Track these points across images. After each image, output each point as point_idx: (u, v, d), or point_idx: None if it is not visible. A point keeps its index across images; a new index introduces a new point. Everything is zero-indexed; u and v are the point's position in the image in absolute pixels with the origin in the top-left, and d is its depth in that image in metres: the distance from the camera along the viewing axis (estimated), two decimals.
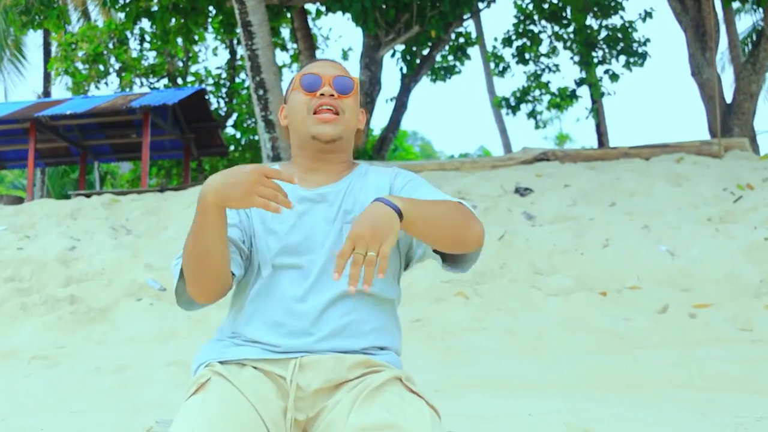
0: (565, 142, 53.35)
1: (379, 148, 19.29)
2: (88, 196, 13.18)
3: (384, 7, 16.12)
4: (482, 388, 5.63)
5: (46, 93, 27.64)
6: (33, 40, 36.05)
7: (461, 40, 20.73)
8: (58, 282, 8.35)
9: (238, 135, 24.81)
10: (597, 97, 20.17)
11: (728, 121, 14.25)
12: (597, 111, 20.61)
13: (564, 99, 20.44)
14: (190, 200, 11.16)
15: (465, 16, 18.28)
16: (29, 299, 7.87)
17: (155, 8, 18.45)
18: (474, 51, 23.36)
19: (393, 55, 19.16)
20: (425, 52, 18.96)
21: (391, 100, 19.84)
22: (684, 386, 5.68)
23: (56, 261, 8.82)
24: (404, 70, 19.04)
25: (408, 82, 19.11)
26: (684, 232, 8.09)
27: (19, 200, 15.85)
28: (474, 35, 21.68)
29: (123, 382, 5.99)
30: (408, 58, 18.91)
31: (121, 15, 20.57)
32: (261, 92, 13.66)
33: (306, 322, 2.15)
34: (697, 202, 8.92)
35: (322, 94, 2.28)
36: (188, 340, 6.82)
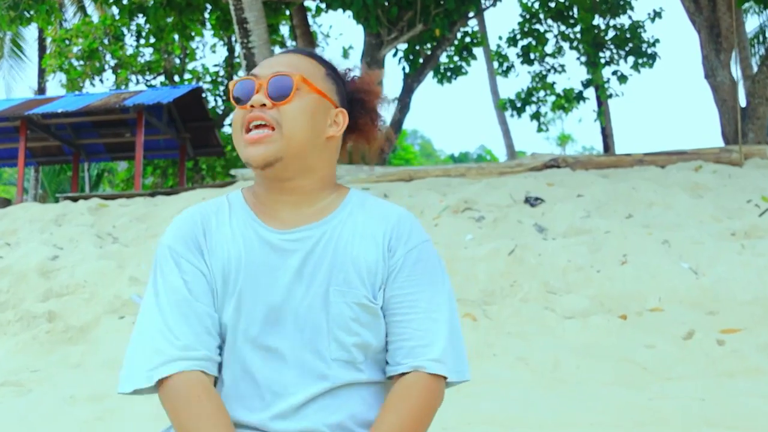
0: (567, 142, 53.00)
1: (381, 151, 18.68)
2: (74, 200, 12.65)
3: (386, 4, 15.58)
4: (493, 426, 5.09)
5: (41, 89, 27.25)
6: (31, 35, 35.46)
7: (467, 39, 20.24)
8: (37, 296, 7.85)
9: None
10: (603, 98, 19.72)
11: (743, 126, 13.72)
12: (603, 113, 20.15)
13: (570, 101, 19.96)
14: (181, 206, 10.63)
15: (470, 15, 17.73)
16: (3, 316, 7.37)
17: (150, 3, 17.93)
18: (477, 50, 22.80)
19: (395, 55, 18.66)
20: (428, 51, 18.43)
21: (393, 101, 19.22)
22: (715, 425, 5.16)
23: (36, 272, 8.31)
24: (407, 70, 18.51)
25: (410, 83, 18.55)
26: (707, 247, 7.55)
27: (7, 202, 15.30)
28: (478, 34, 21.18)
29: (99, 415, 5.45)
30: (411, 57, 18.39)
31: (116, 10, 20.09)
32: None
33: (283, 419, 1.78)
34: (720, 214, 8.38)
35: (252, 106, 1.82)
36: None
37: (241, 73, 23.47)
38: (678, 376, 5.79)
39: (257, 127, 1.81)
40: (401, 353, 1.84)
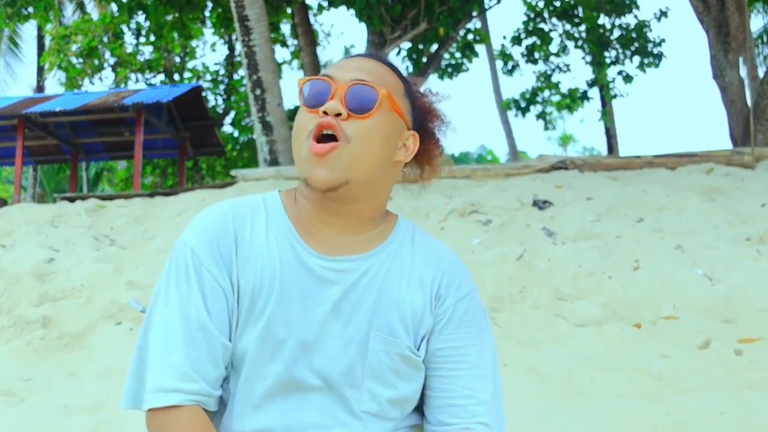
0: (569, 142, 52.84)
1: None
2: (72, 200, 12.42)
3: (390, 2, 15.35)
4: None
5: (40, 88, 27.12)
6: (29, 32, 35.30)
7: (470, 36, 20.04)
8: (31, 300, 7.64)
9: (236, 133, 24.25)
10: (608, 99, 19.54)
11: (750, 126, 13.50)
12: (607, 113, 19.96)
13: (575, 100, 19.77)
14: (181, 207, 10.43)
15: (473, 13, 17.51)
16: None
17: (149, 1, 17.74)
18: (480, 49, 22.58)
19: (398, 54, 18.47)
20: (432, 50, 18.21)
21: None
22: None
23: (31, 275, 8.11)
24: (410, 69, 18.29)
25: (414, 82, 18.30)
26: (721, 253, 7.34)
27: (3, 202, 15.08)
28: (481, 32, 20.98)
29: (94, 426, 5.23)
30: (414, 56, 18.17)
31: (115, 7, 19.93)
32: (258, 92, 12.91)
33: None
34: (734, 219, 8.16)
35: (324, 112, 1.58)
36: None
37: (242, 72, 23.33)
38: (695, 388, 5.58)
39: (325, 137, 1.58)
40: (447, 412, 1.70)
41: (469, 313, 1.73)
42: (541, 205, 8.93)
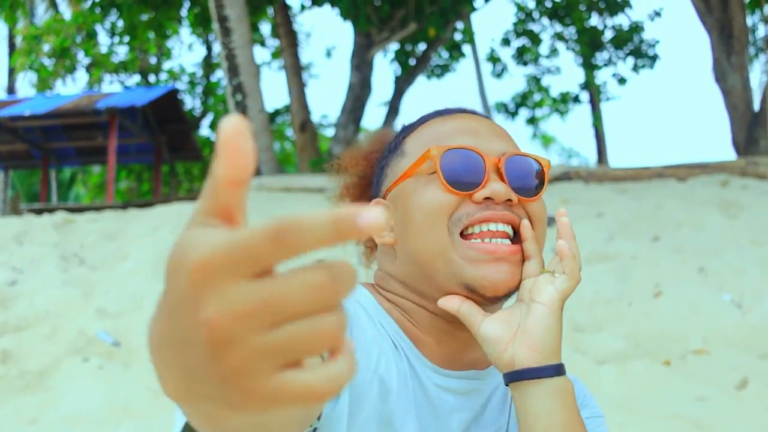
0: (551, 144, 52.62)
1: None
2: (39, 212, 11.72)
3: (377, 2, 14.76)
4: None
5: (11, 89, 26.35)
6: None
7: (457, 37, 19.67)
8: None
9: (214, 137, 23.74)
10: (598, 101, 19.25)
11: (753, 132, 13.03)
12: (597, 117, 19.66)
13: (566, 102, 19.48)
14: (156, 222, 9.79)
15: (463, 13, 17.01)
16: None
17: None
18: (465, 50, 22.23)
19: (385, 55, 18.00)
20: (420, 51, 17.71)
21: (385, 104, 18.56)
22: None
23: None
24: (398, 72, 17.78)
25: (401, 85, 17.76)
26: (750, 277, 6.81)
27: None
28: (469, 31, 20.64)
29: None
30: (402, 58, 17.65)
31: (87, 4, 19.43)
32: (239, 97, 12.26)
33: None
34: (759, 237, 7.61)
35: (488, 198, 1.22)
36: (146, 420, 5.46)
37: (220, 74, 22.69)
38: None
39: (495, 234, 1.23)
40: None
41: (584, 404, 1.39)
42: (548, 221, 8.31)
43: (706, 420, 5.20)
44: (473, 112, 1.40)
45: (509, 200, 1.23)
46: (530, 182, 1.27)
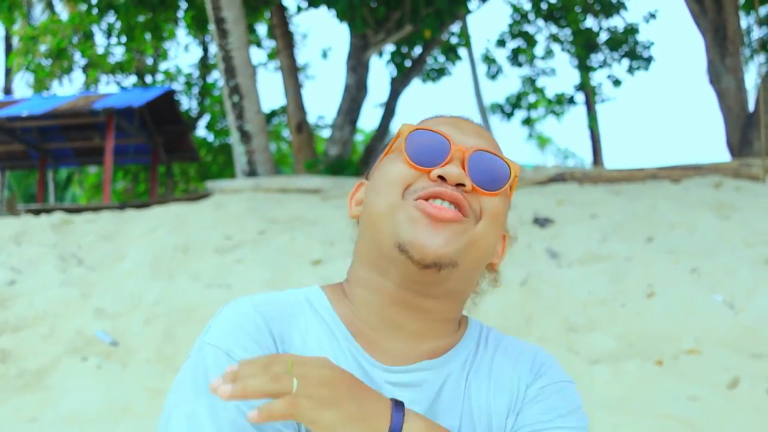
0: (547, 145, 52.66)
1: (366, 160, 17.91)
2: (37, 213, 11.76)
3: (373, 3, 14.79)
4: None
5: (8, 90, 26.39)
6: None
7: (453, 40, 19.68)
8: None
9: (210, 138, 23.80)
10: (594, 103, 19.29)
11: (748, 134, 13.09)
12: (593, 118, 19.70)
13: (561, 103, 19.52)
14: (153, 223, 9.83)
15: (458, 14, 17.04)
16: None
17: (121, 1, 17.20)
18: (461, 52, 22.26)
19: (380, 57, 18.02)
20: (416, 53, 17.74)
21: (381, 105, 18.58)
22: None
23: None
24: (393, 74, 17.81)
25: (397, 87, 17.80)
26: (742, 277, 6.86)
27: None
28: (465, 34, 20.65)
29: None
30: (398, 60, 17.68)
31: (85, 7, 19.43)
32: (236, 99, 12.29)
33: None
34: (752, 239, 7.66)
35: (441, 177, 1.29)
36: (145, 420, 5.50)
37: (216, 75, 22.71)
38: None
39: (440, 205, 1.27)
40: None
41: (561, 399, 1.38)
42: (542, 222, 8.38)
43: (697, 419, 5.25)
44: (465, 117, 1.46)
45: (462, 184, 1.28)
46: (491, 178, 1.31)
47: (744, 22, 22.67)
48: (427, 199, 1.26)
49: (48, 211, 12.07)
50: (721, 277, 6.94)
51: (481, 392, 1.37)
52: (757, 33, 20.94)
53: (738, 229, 7.91)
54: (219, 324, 1.30)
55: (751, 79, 13.55)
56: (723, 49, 13.31)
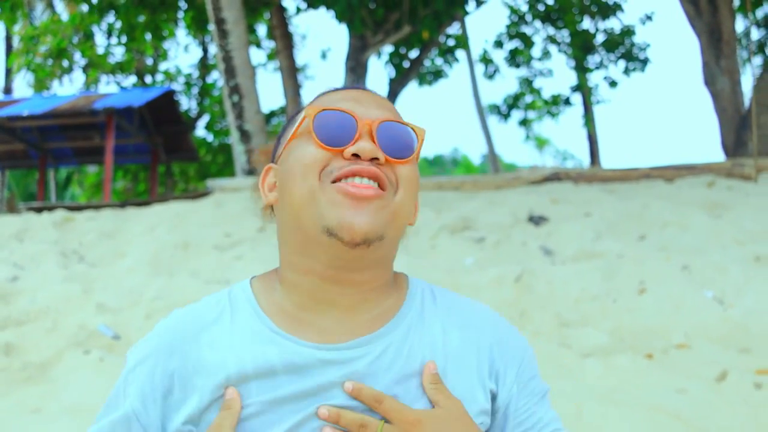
0: (545, 146, 52.75)
1: None
2: (39, 211, 11.86)
3: (372, 5, 14.89)
4: None
5: (8, 89, 26.45)
6: None
7: (450, 42, 19.74)
8: None
9: (210, 138, 23.83)
10: (590, 104, 19.34)
11: (742, 135, 13.20)
12: (590, 119, 19.75)
13: (557, 104, 19.57)
14: (153, 221, 9.95)
15: (456, 16, 17.12)
16: None
17: (121, 1, 17.28)
18: (460, 54, 22.32)
19: (379, 58, 18.09)
20: (413, 55, 17.82)
21: None
22: None
23: None
24: (392, 75, 17.89)
25: (395, 87, 17.89)
26: (732, 274, 6.97)
27: None
28: (463, 37, 20.69)
29: None
30: (395, 61, 17.77)
31: (85, 7, 19.49)
32: (236, 98, 12.39)
33: None
34: (743, 237, 7.78)
35: (355, 155, 1.31)
36: None
37: (216, 75, 22.78)
38: (716, 427, 5.18)
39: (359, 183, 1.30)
40: None
41: (533, 377, 1.47)
42: (536, 221, 8.49)
43: (685, 411, 5.36)
44: (362, 88, 1.49)
45: (376, 159, 1.31)
46: (401, 146, 1.35)
47: (742, 24, 22.84)
48: (345, 179, 1.30)
49: (50, 209, 12.17)
50: (711, 274, 7.04)
51: (427, 356, 1.37)
52: (756, 35, 21.05)
53: (729, 227, 8.01)
54: (142, 343, 1.43)
55: (748, 80, 13.59)
56: (718, 51, 13.42)
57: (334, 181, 1.30)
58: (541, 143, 52.86)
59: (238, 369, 1.31)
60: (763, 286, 6.75)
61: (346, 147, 1.31)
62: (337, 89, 1.48)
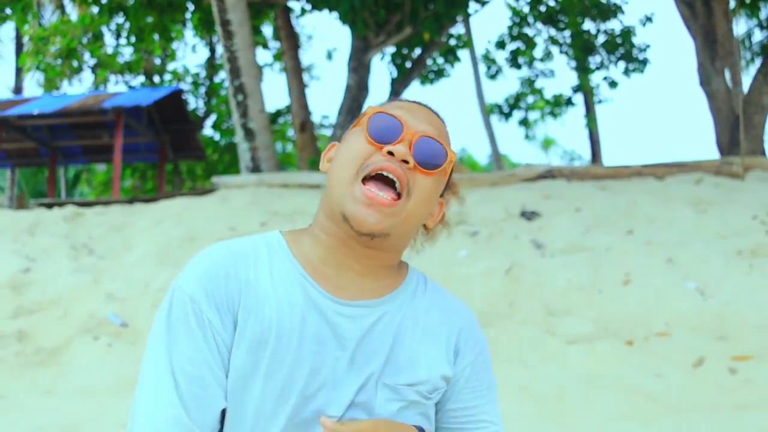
0: (551, 146, 52.79)
1: None
2: (49, 206, 12.17)
3: (374, 6, 15.13)
4: None
5: (18, 89, 26.68)
6: (7, 33, 34.98)
7: (452, 42, 19.91)
8: (7, 312, 7.41)
9: (217, 137, 24.01)
10: (592, 104, 19.48)
11: (737, 134, 13.41)
12: (592, 119, 19.90)
13: (559, 105, 19.71)
14: (160, 215, 10.21)
15: (458, 18, 17.33)
16: None
17: (130, 2, 17.51)
18: (462, 52, 22.47)
19: (381, 58, 18.30)
20: (416, 55, 18.04)
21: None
22: None
23: (7, 286, 7.88)
24: (394, 75, 18.11)
25: (398, 87, 18.14)
26: (713, 267, 7.21)
27: None
28: (464, 37, 20.87)
29: None
30: (398, 61, 17.99)
31: (95, 9, 19.70)
32: (240, 97, 12.68)
33: None
34: (725, 231, 8.03)
35: (390, 153, 1.53)
36: None
37: (223, 75, 23.00)
38: (690, 408, 5.45)
39: (383, 181, 1.53)
40: None
41: (485, 367, 1.73)
42: (529, 216, 8.78)
43: (662, 394, 5.61)
44: (423, 104, 1.69)
45: (406, 161, 1.52)
46: (430, 161, 1.55)
47: (744, 26, 23.01)
48: (374, 175, 1.52)
49: (60, 204, 12.46)
50: (694, 266, 7.29)
51: (411, 334, 1.63)
52: (758, 36, 21.20)
53: (713, 222, 8.26)
54: (193, 267, 1.56)
55: (747, 82, 13.77)
56: (713, 53, 13.62)
57: (365, 178, 1.52)
58: (547, 144, 52.93)
59: (277, 316, 1.52)
60: (742, 277, 6.99)
61: (387, 146, 1.53)
62: (401, 99, 1.71)
